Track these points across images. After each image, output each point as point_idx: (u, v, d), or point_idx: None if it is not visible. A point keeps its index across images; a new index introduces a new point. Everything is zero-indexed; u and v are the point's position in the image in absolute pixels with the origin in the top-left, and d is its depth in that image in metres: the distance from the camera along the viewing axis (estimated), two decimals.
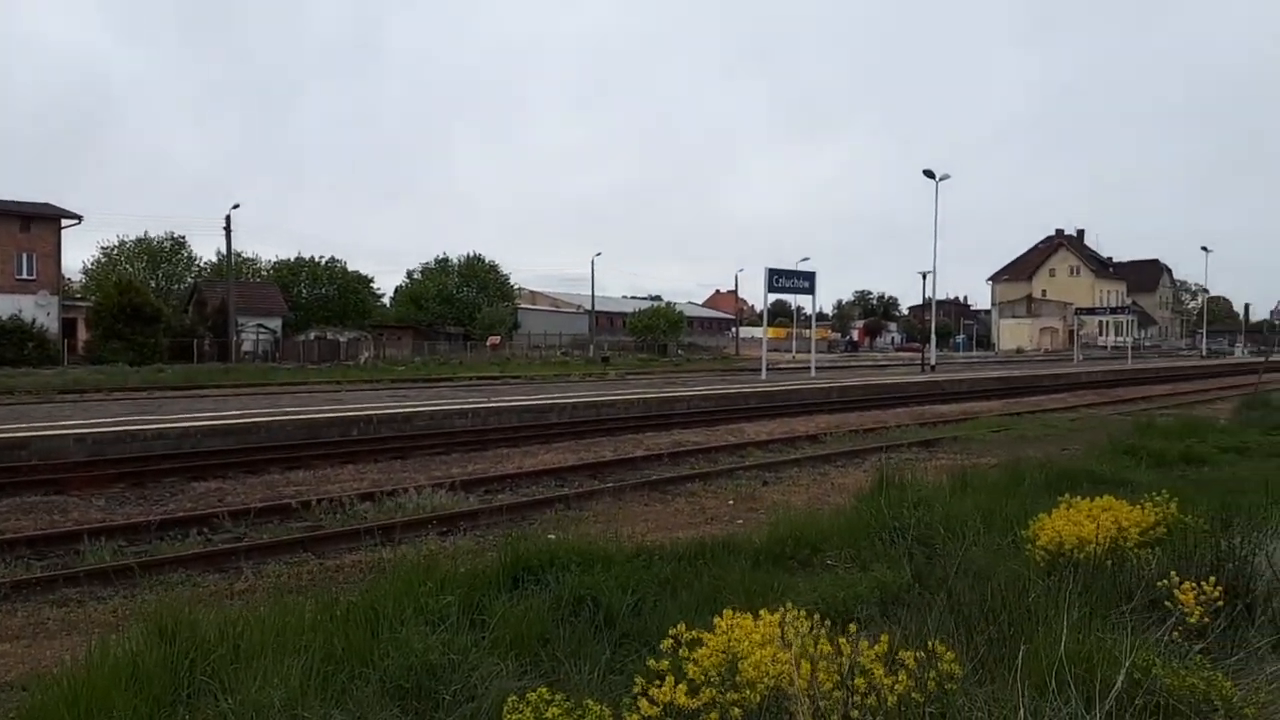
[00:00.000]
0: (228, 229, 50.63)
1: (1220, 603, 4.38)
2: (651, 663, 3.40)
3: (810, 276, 35.84)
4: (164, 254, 70.40)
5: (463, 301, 75.42)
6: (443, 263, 78.85)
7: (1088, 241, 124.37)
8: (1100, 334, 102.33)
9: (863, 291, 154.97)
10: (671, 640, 3.59)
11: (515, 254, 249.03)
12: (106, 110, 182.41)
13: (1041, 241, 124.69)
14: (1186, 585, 4.40)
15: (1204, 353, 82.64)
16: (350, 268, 72.38)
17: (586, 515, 10.00)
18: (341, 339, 56.27)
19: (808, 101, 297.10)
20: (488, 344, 62.94)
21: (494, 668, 4.28)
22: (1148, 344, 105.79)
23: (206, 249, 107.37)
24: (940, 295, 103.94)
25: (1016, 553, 5.85)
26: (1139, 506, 6.05)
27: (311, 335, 57.59)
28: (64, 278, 54.46)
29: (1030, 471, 10.02)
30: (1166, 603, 4.42)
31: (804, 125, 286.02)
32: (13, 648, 6.02)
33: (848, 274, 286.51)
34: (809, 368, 38.90)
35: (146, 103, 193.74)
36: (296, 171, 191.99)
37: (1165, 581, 4.53)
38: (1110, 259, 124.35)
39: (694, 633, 3.63)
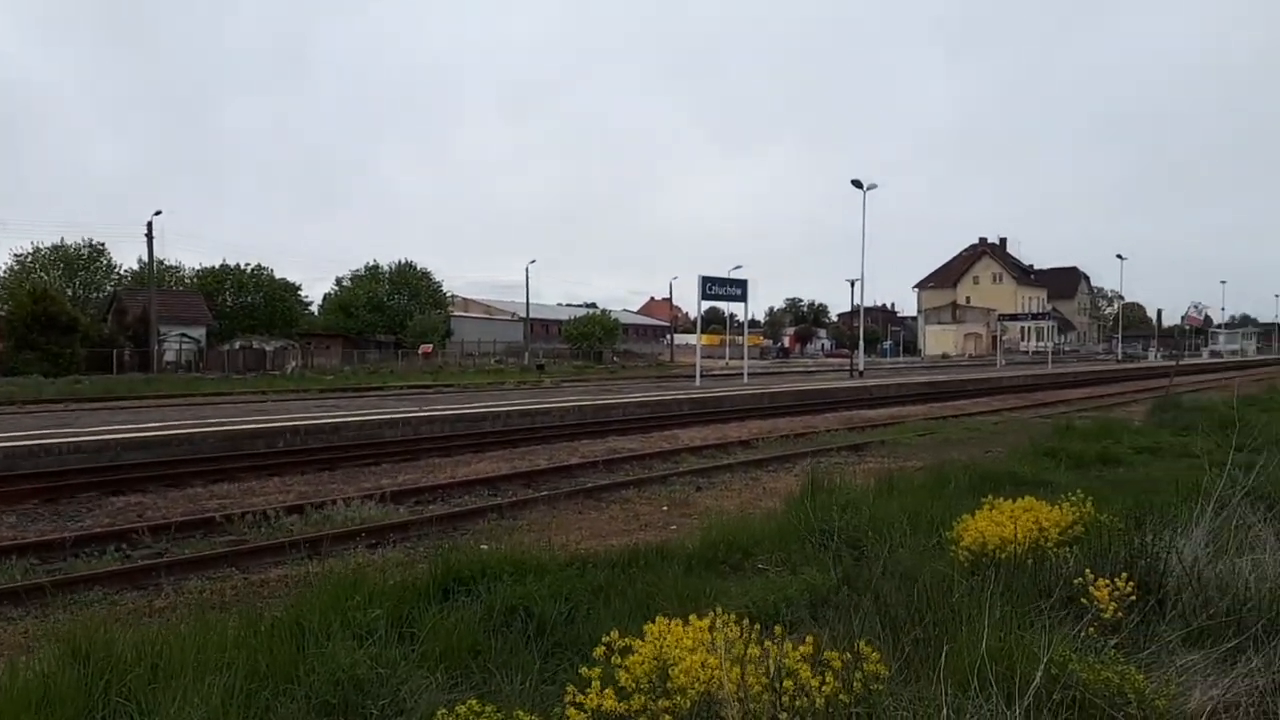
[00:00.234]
0: (149, 236, 49.13)
1: (1133, 598, 4.54)
2: (584, 671, 3.39)
3: (742, 284, 36.20)
4: (82, 261, 67.90)
5: (394, 309, 74.25)
6: (373, 270, 77.53)
7: (1010, 250, 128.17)
8: (1022, 339, 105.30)
9: (794, 299, 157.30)
10: (604, 648, 3.58)
11: (448, 262, 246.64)
12: (20, 116, 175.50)
13: (965, 250, 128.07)
14: (1101, 582, 4.54)
15: (1120, 357, 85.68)
16: (277, 275, 70.75)
17: (520, 524, 9.91)
18: (268, 348, 54.98)
19: (737, 113, 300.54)
20: (420, 352, 62.09)
21: (423, 681, 4.22)
22: (1067, 349, 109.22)
23: (127, 257, 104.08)
24: (868, 303, 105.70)
25: (941, 553, 5.98)
26: (1058, 507, 6.24)
27: (237, 344, 56.16)
28: None
29: (955, 474, 10.25)
30: (1083, 599, 4.56)
31: (734, 136, 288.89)
32: None
33: (779, 282, 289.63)
34: (742, 374, 39.26)
35: (63, 109, 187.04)
36: (221, 179, 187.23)
37: (1082, 579, 4.68)
38: (1031, 267, 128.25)
39: (626, 640, 3.63)
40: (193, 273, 70.61)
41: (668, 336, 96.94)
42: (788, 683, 2.96)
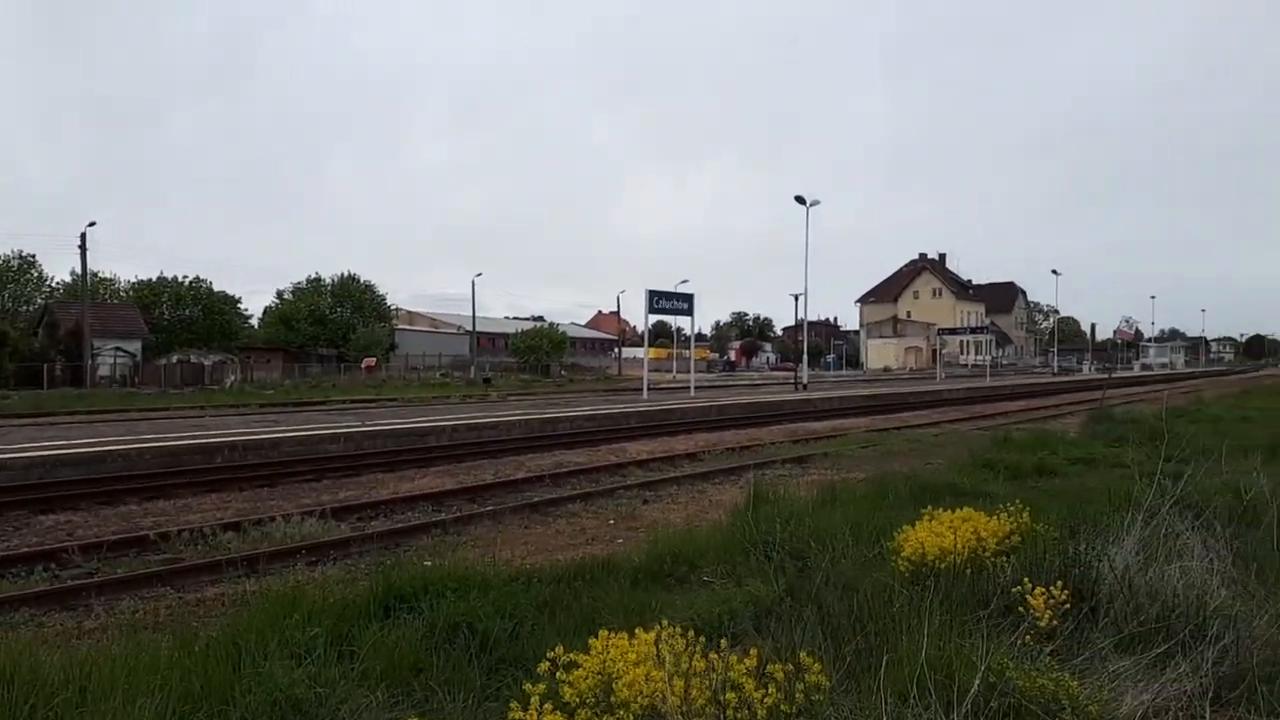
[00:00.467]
0: (83, 247, 47.78)
1: (1068, 606, 4.64)
2: (527, 686, 3.36)
3: (689, 298, 36.40)
4: (11, 274, 65.80)
5: (336, 322, 73.17)
6: (315, 282, 76.37)
7: (949, 265, 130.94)
8: (961, 353, 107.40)
9: (739, 313, 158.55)
10: (548, 663, 3.55)
11: (392, 274, 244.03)
12: None
13: (906, 265, 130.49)
14: (1038, 591, 4.64)
15: (1055, 370, 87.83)
16: (216, 288, 69.35)
17: (465, 540, 9.80)
18: (206, 362, 53.77)
19: (683, 129, 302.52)
20: (363, 366, 61.25)
21: (364, 700, 4.14)
22: (1005, 362, 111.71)
23: (60, 269, 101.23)
24: (812, 317, 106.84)
25: (883, 563, 6.05)
26: (996, 517, 6.36)
27: (174, 358, 54.82)
28: None
29: (896, 485, 10.40)
30: (1021, 608, 4.65)
31: (681, 152, 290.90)
32: None
33: (725, 297, 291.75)
34: (689, 387, 39.41)
35: None
36: (158, 189, 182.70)
37: (1020, 588, 4.77)
38: (970, 281, 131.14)
39: (570, 655, 3.60)
40: (128, 285, 68.88)
41: (615, 350, 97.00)
42: (731, 695, 2.96)
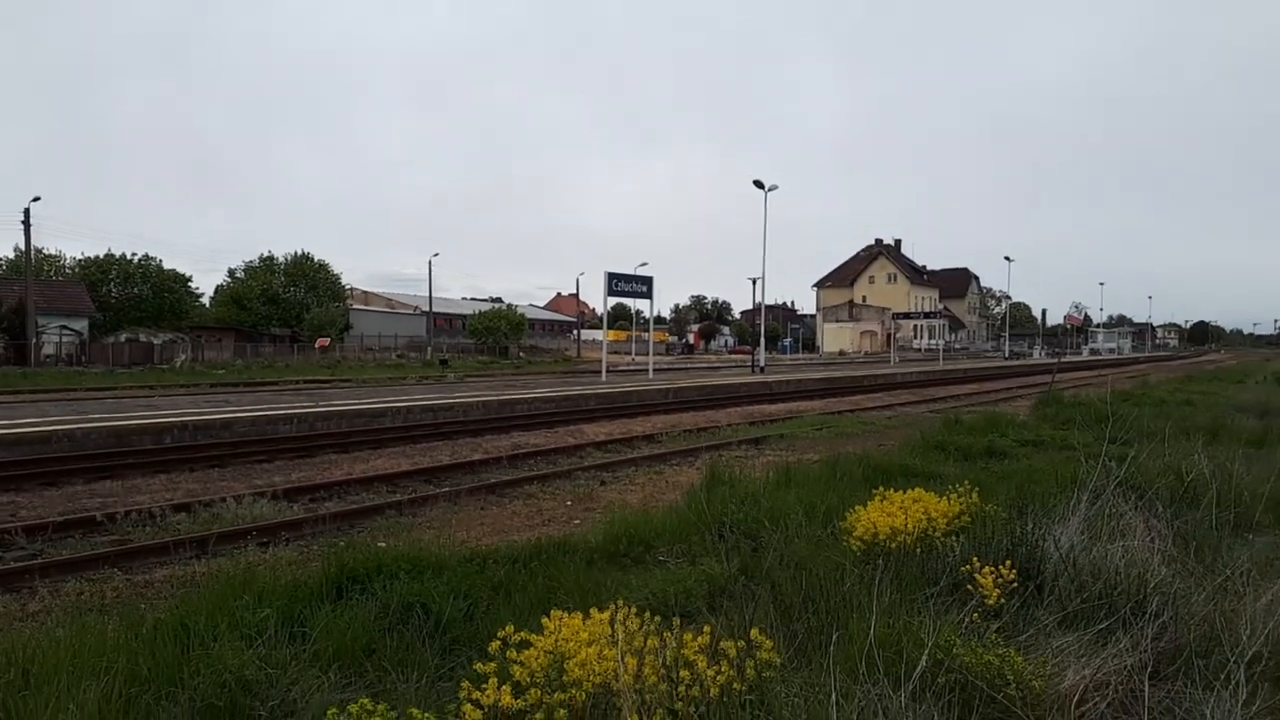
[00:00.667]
0: (26, 223, 46.43)
1: (1015, 584, 4.73)
2: (479, 666, 3.35)
3: (648, 281, 36.40)
4: None
5: (289, 302, 71.86)
6: (268, 261, 74.85)
7: (905, 251, 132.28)
8: (915, 337, 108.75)
9: (698, 296, 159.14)
10: (499, 643, 3.54)
11: (347, 254, 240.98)
12: None
13: (862, 250, 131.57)
14: (986, 570, 4.72)
15: (1007, 355, 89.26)
16: (166, 266, 67.70)
17: (420, 521, 9.74)
18: (156, 341, 52.60)
19: (644, 112, 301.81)
20: (316, 346, 60.37)
21: (315, 681, 4.10)
22: (958, 347, 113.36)
23: (2, 246, 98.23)
24: (769, 301, 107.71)
25: (836, 543, 6.12)
26: (946, 498, 6.46)
27: (122, 337, 53.52)
28: None
29: (849, 466, 10.52)
30: (969, 586, 4.73)
31: (641, 135, 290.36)
32: None
33: (685, 280, 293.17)
34: (648, 370, 39.47)
35: None
36: (107, 166, 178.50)
37: (969, 566, 4.85)
38: (925, 267, 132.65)
39: (522, 634, 3.60)
40: (75, 263, 67.07)
41: (575, 332, 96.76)
42: (684, 673, 2.98)
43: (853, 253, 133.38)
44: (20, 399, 25.09)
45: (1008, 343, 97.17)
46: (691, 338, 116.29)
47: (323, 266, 75.33)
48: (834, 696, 2.95)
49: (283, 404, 20.73)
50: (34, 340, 46.15)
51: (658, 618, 3.75)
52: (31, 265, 50.39)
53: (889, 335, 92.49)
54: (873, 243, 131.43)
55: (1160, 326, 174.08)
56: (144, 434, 15.38)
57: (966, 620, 4.27)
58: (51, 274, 64.05)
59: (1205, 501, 7.02)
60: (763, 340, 50.67)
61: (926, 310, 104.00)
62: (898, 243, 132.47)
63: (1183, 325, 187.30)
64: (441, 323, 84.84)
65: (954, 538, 5.76)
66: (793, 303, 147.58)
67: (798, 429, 19.22)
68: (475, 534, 8.91)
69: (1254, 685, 3.71)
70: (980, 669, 3.60)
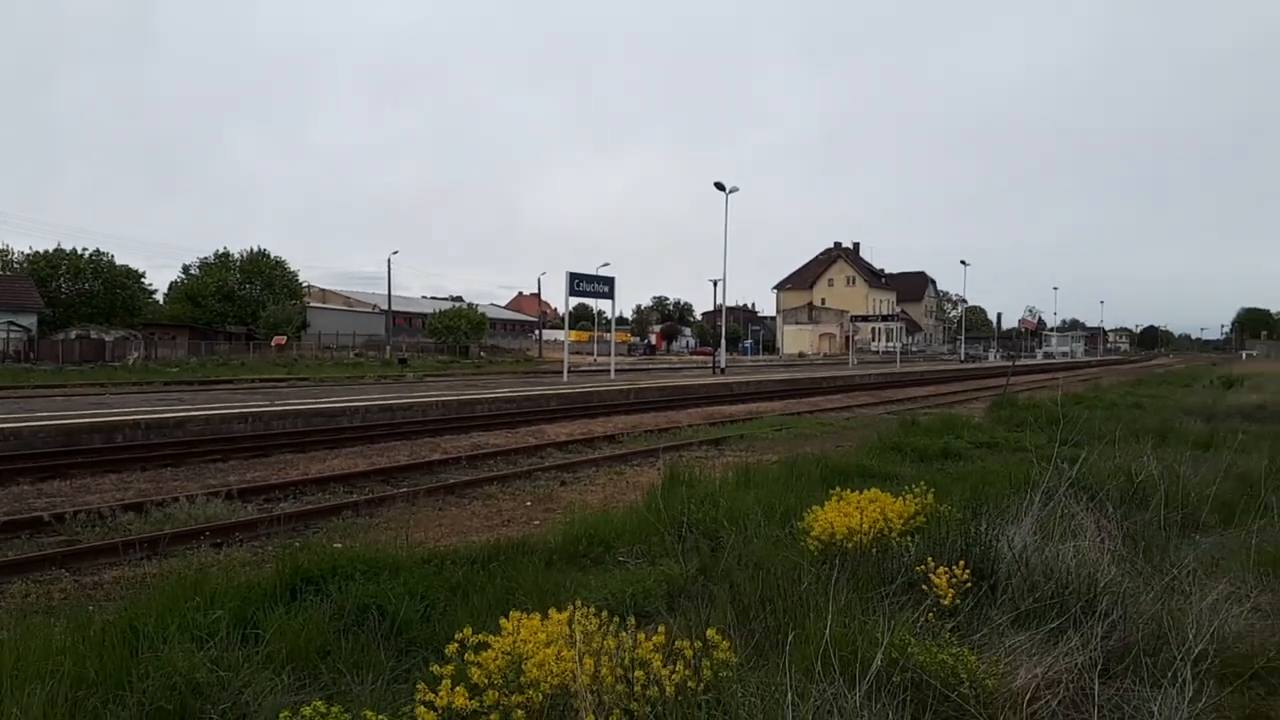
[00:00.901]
0: None
1: (969, 584, 4.79)
2: (435, 668, 3.31)
3: (610, 281, 36.35)
4: None
5: (245, 299, 70.80)
6: (223, 257, 73.67)
7: (863, 254, 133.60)
8: (873, 340, 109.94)
9: (660, 297, 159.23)
10: (457, 645, 3.51)
11: (305, 251, 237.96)
12: None
13: (821, 253, 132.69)
14: (941, 570, 4.78)
15: (963, 358, 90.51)
16: (119, 261, 66.33)
17: (377, 522, 9.64)
18: (108, 338, 51.51)
19: (604, 113, 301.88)
20: (273, 344, 59.52)
21: (268, 683, 4.04)
22: (915, 349, 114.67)
23: None
24: (730, 302, 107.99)
25: (794, 543, 6.16)
26: (902, 498, 6.53)
27: (73, 334, 52.35)
28: None
29: (807, 467, 10.59)
30: (924, 586, 4.78)
31: (603, 136, 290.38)
32: None
33: (647, 281, 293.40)
34: (609, 370, 39.44)
35: None
36: (57, 159, 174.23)
37: (924, 566, 4.90)
38: (883, 270, 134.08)
39: (481, 636, 3.57)
40: (23, 257, 65.44)
41: (536, 332, 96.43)
42: (639, 673, 2.98)
43: (813, 255, 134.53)
44: None
45: (964, 346, 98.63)
46: (653, 338, 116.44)
47: (279, 263, 74.36)
48: (790, 696, 2.96)
49: (238, 403, 20.41)
50: None
51: (616, 618, 3.74)
52: None
53: (847, 337, 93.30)
54: (832, 246, 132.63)
55: (1112, 331, 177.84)
56: (94, 433, 15.05)
57: (921, 620, 4.32)
58: None
59: (1154, 502, 7.17)
60: (723, 342, 50.87)
61: (884, 313, 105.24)
62: (856, 246, 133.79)
63: (1133, 330, 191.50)
64: (401, 321, 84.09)
65: (909, 538, 5.82)
66: (753, 305, 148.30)
67: (757, 430, 19.32)
68: (433, 535, 8.84)
69: (1200, 683, 3.79)
70: (934, 668, 3.64)
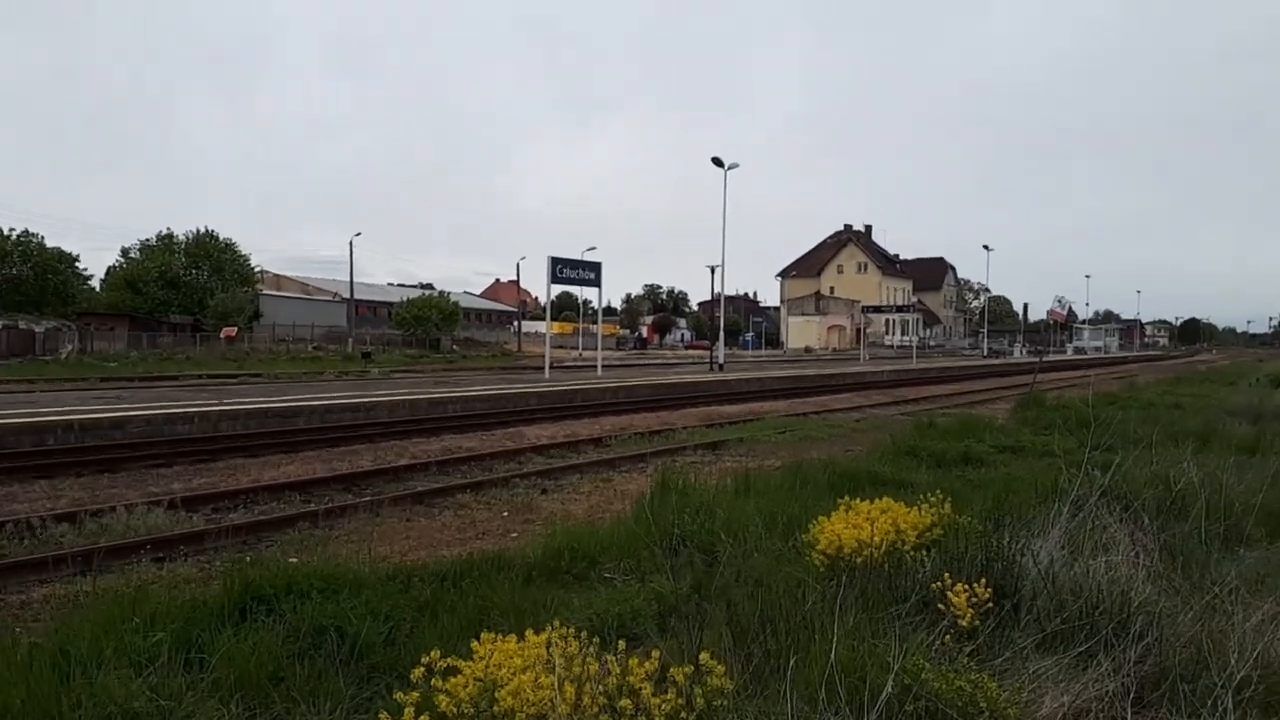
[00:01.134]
0: None
1: (990, 603, 4.81)
2: (399, 696, 3.31)
3: (596, 267, 36.32)
4: None
5: (191, 286, 70.44)
6: (167, 239, 73.24)
7: (876, 238, 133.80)
8: (887, 333, 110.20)
9: (652, 286, 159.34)
10: (423, 670, 3.51)
11: (258, 233, 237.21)
12: None
13: (830, 237, 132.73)
14: (959, 587, 4.79)
15: (985, 353, 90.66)
16: (49, 244, 65.96)
17: (337, 534, 9.64)
18: (38, 329, 51.27)
19: (592, 85, 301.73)
20: (222, 336, 59.28)
21: (214, 713, 4.04)
22: (933, 343, 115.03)
23: None
24: (730, 291, 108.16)
25: (797, 558, 6.18)
26: (916, 508, 6.55)
27: None
28: None
29: (813, 473, 10.63)
30: (940, 605, 4.79)
31: (589, 110, 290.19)
32: None
33: (637, 267, 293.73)
34: (596, 366, 39.45)
35: None
36: None
37: (940, 583, 4.92)
38: (897, 256, 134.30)
39: (450, 660, 3.57)
40: None
41: (515, 323, 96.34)
42: (625, 702, 2.98)
43: (820, 239, 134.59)
44: None
45: (986, 340, 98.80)
46: (644, 331, 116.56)
47: (229, 246, 73.99)
48: None
49: (183, 401, 20.34)
50: None
51: (598, 640, 3.74)
52: None
53: (859, 330, 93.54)
54: (841, 229, 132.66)
55: (1149, 324, 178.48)
56: (22, 434, 14.98)
57: (937, 642, 4.33)
58: None
59: (1194, 513, 7.20)
60: (721, 335, 50.91)
61: (899, 304, 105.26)
62: (868, 229, 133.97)
63: (1173, 322, 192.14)
64: (364, 311, 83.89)
65: (924, 552, 5.84)
66: (755, 294, 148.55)
67: (759, 432, 19.36)
68: (399, 548, 8.84)
69: (1242, 712, 3.81)
70: (951, 696, 3.65)
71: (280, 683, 4.48)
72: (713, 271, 57.11)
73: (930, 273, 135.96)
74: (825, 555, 5.84)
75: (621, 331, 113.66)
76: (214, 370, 39.32)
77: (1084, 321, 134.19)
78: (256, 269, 79.43)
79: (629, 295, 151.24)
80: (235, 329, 61.13)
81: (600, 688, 3.11)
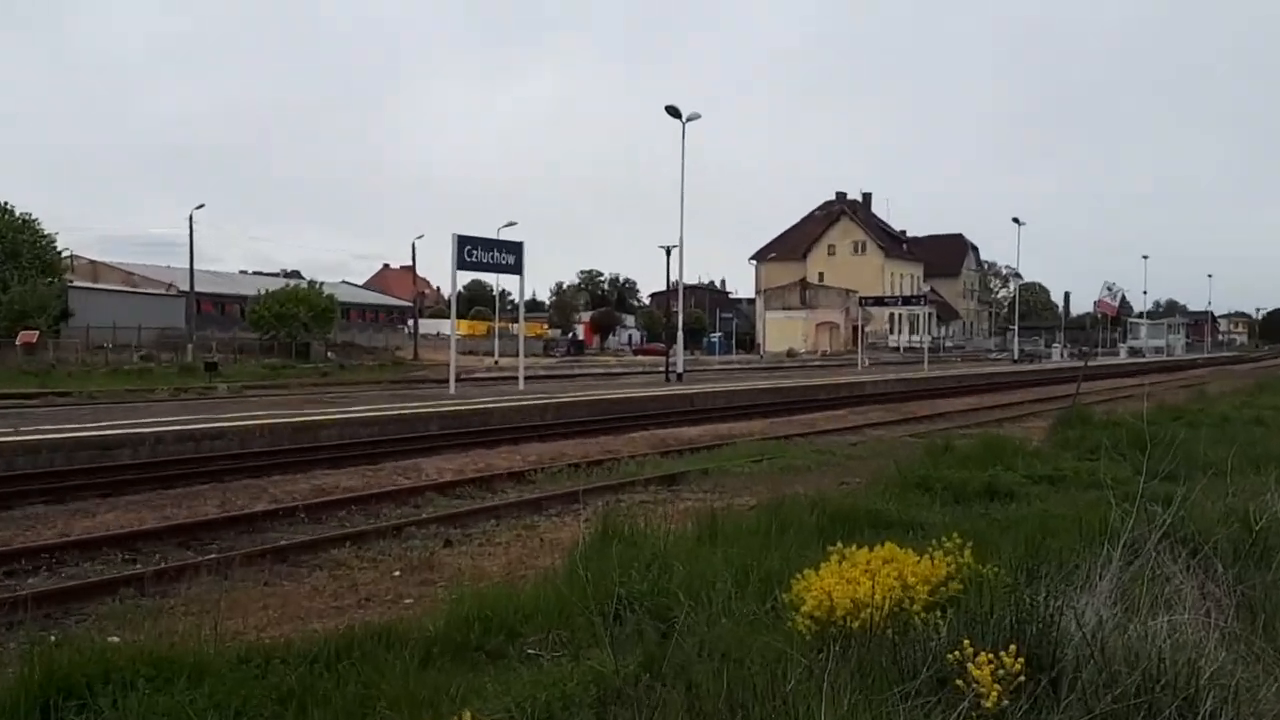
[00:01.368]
0: None
1: (1022, 677, 4.86)
2: None
3: (517, 249, 36.21)
4: None
5: None
6: None
7: (876, 210, 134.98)
8: (891, 331, 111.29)
9: (591, 272, 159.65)
10: None
11: (67, 207, 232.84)
12: None
13: (818, 209, 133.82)
14: (983, 658, 4.83)
15: (1016, 356, 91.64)
16: None
17: (173, 604, 9.55)
18: None
19: (511, 14, 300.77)
20: (18, 343, 58.26)
21: None
22: (950, 344, 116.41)
23: None
24: (691, 279, 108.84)
25: (777, 623, 6.20)
26: (929, 557, 6.60)
27: None
28: None
29: (798, 513, 10.68)
30: (959, 680, 4.84)
31: (508, 38, 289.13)
32: None
33: (571, 249, 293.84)
34: (517, 377, 39.34)
35: None
36: None
37: (957, 653, 4.96)
38: (904, 233, 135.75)
39: None
40: None
41: (410, 322, 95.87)
42: None
43: (807, 212, 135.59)
44: None
45: (1017, 339, 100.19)
46: (581, 331, 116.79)
47: (27, 224, 72.73)
48: None
49: None
50: None
51: None
52: None
53: (855, 328, 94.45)
54: (833, 198, 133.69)
55: (1223, 317, 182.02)
56: None
57: None
58: None
59: (1279, 560, 7.34)
60: (680, 335, 50.99)
61: (907, 294, 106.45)
62: (867, 199, 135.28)
63: (1254, 316, 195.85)
64: (209, 307, 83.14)
65: (939, 613, 5.88)
66: (724, 282, 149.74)
67: (728, 461, 19.46)
68: (256, 622, 8.79)
69: None
70: None
71: None
72: (669, 253, 57.38)
73: (946, 254, 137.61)
74: (812, 619, 5.86)
75: (551, 332, 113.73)
76: (7, 388, 38.56)
77: (1140, 315, 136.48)
78: (64, 254, 78.13)
79: (560, 285, 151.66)
80: (36, 333, 60.05)
81: None
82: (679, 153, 46.42)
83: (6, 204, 72.10)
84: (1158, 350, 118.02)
